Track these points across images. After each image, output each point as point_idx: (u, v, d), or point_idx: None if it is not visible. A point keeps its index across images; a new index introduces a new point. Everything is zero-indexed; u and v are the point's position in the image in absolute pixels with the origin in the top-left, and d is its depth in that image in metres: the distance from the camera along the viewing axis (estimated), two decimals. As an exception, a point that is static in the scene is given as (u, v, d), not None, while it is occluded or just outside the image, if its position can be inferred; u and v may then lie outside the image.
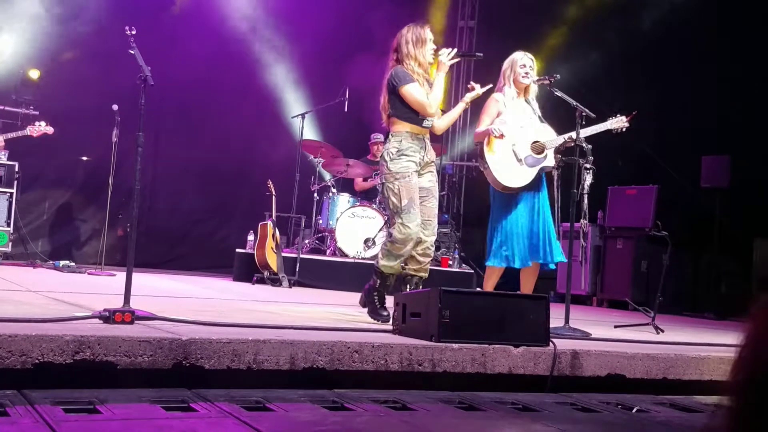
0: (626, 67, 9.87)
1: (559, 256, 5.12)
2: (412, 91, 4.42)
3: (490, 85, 5.02)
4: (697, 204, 9.35)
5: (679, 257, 8.53)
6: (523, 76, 5.19)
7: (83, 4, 8.94)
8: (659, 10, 9.67)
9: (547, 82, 5.09)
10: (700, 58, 9.46)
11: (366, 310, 4.63)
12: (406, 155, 4.45)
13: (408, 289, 4.53)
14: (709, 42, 9.38)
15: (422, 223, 4.49)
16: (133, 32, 3.87)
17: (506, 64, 5.28)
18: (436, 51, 4.56)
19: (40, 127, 7.18)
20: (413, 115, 4.49)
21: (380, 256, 4.59)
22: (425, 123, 4.53)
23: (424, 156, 4.53)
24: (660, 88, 9.53)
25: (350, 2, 10.46)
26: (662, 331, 5.31)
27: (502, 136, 5.10)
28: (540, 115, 5.28)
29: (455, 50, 4.56)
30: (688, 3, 9.35)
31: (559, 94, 5.03)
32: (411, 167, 4.45)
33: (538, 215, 5.16)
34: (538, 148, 5.14)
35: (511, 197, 5.18)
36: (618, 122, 5.09)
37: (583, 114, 4.87)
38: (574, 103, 4.92)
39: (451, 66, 4.63)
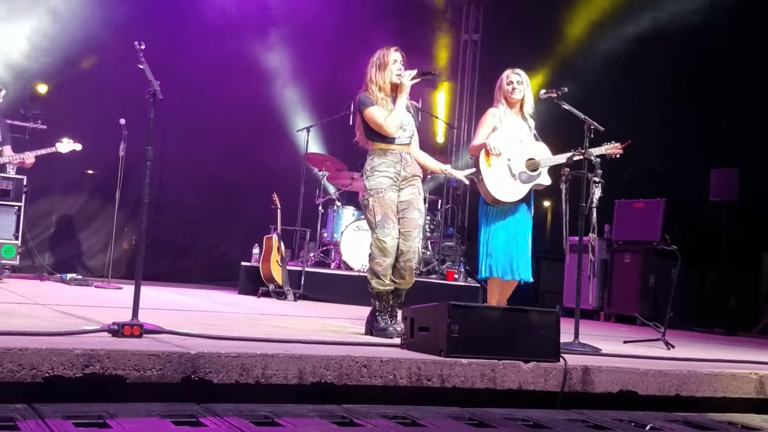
0: (633, 80, 9.86)
1: (527, 275, 5.20)
2: (370, 115, 4.57)
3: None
4: (705, 217, 9.32)
5: (687, 271, 8.50)
6: (510, 92, 5.23)
7: (90, 18, 8.99)
8: (664, 22, 9.68)
9: (554, 95, 5.08)
10: (708, 71, 9.46)
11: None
12: (378, 171, 4.56)
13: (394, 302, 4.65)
14: (717, 55, 9.39)
15: (402, 234, 4.57)
16: (142, 47, 3.88)
17: (498, 82, 5.34)
18: (400, 74, 4.64)
19: (69, 144, 7.21)
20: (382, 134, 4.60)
21: (368, 277, 4.61)
22: (398, 140, 4.61)
23: (400, 170, 4.60)
24: (667, 101, 9.53)
25: (357, 16, 10.49)
26: (673, 346, 5.27)
27: (499, 155, 5.15)
28: (535, 132, 5.31)
29: (416, 71, 4.65)
30: (694, 16, 9.35)
31: (566, 107, 5.02)
32: (384, 182, 4.55)
33: (524, 233, 5.23)
34: (533, 166, 5.17)
35: (499, 210, 5.24)
36: (611, 149, 5.11)
37: (591, 127, 4.86)
38: (582, 116, 4.91)
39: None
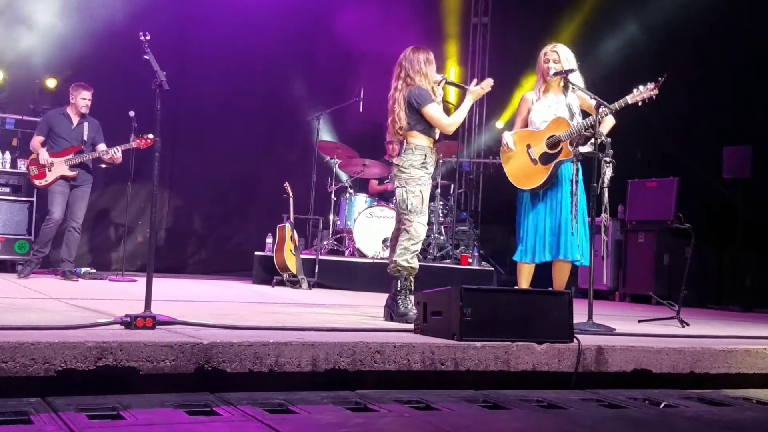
0: (644, 59, 9.76)
1: (576, 254, 5.10)
2: (433, 112, 4.78)
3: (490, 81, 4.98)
4: (718, 195, 9.24)
5: (702, 249, 8.45)
6: (546, 71, 5.15)
7: (98, 12, 8.99)
8: (679, 2, 9.56)
9: (563, 75, 5.04)
10: (721, 48, 9.35)
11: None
12: (425, 166, 4.81)
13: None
14: (730, 31, 9.27)
15: None
16: (147, 38, 3.88)
17: (539, 58, 5.25)
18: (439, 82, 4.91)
19: (148, 138, 7.24)
20: (430, 130, 4.85)
21: (397, 255, 4.71)
22: (436, 136, 4.92)
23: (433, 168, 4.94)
24: (680, 79, 9.43)
25: (367, 1, 10.43)
26: (687, 324, 5.24)
27: (510, 150, 5.21)
28: (576, 107, 5.18)
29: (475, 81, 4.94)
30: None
31: (576, 87, 4.98)
32: (427, 179, 4.84)
33: (559, 211, 5.14)
34: (553, 142, 5.10)
35: (531, 194, 5.21)
36: (644, 93, 4.85)
37: (601, 107, 4.80)
38: (591, 95, 4.86)
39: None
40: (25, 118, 8.59)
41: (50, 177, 7.24)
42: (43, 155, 7.22)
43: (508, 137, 5.23)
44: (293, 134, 10.47)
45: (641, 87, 4.86)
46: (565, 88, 5.14)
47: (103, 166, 7.71)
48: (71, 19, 8.92)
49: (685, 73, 9.40)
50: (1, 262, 7.99)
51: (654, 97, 4.85)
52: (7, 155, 8.10)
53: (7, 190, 7.93)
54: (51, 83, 8.99)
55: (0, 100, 8.70)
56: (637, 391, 3.67)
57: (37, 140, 7.34)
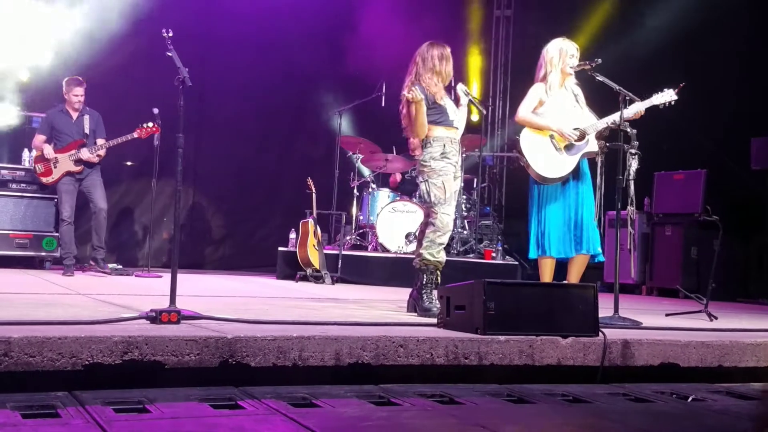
0: (671, 50, 9.63)
1: (598, 249, 5.10)
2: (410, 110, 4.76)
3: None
4: (747, 187, 9.10)
5: (731, 242, 8.31)
6: (569, 67, 5.15)
7: (121, 10, 9.05)
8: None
9: (588, 67, 5.01)
10: (748, 39, 9.20)
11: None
12: (447, 157, 4.77)
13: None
14: (758, 21, 9.12)
15: None
16: (170, 34, 3.90)
17: (553, 51, 5.23)
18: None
19: (148, 127, 7.33)
20: (446, 119, 4.85)
21: (423, 248, 4.69)
22: (458, 127, 4.88)
23: (458, 159, 4.86)
24: (707, 70, 9.30)
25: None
26: (716, 318, 5.17)
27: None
28: (584, 101, 5.22)
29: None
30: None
31: (600, 78, 4.93)
32: (450, 170, 4.77)
33: (581, 206, 5.12)
34: (579, 135, 5.08)
35: (551, 187, 5.19)
36: (665, 96, 4.93)
37: (627, 98, 4.77)
38: (617, 87, 4.81)
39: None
40: (51, 116, 8.66)
41: (56, 174, 7.38)
42: (48, 150, 7.39)
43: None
44: (316, 130, 10.48)
45: (660, 92, 4.87)
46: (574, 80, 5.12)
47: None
48: (96, 16, 8.99)
49: (714, 65, 9.28)
50: (29, 258, 8.09)
51: (673, 102, 4.85)
52: (34, 153, 8.19)
53: (34, 187, 8.02)
54: (77, 81, 9.07)
55: (25, 99, 8.79)
56: (664, 385, 3.64)
57: (38, 138, 7.51)
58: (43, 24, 8.80)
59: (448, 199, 4.71)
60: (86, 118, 7.55)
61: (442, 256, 4.71)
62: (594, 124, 5.06)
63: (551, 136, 5.14)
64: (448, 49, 4.88)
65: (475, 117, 11.65)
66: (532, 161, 5.16)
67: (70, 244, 7.36)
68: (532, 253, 5.27)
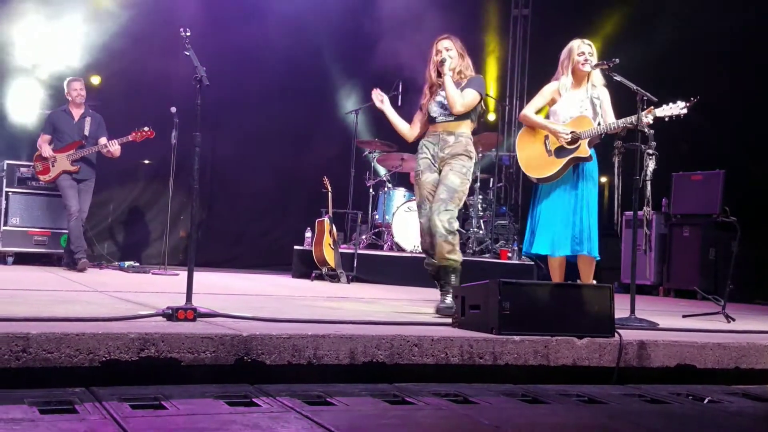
0: (687, 52, 9.56)
1: (596, 252, 5.13)
2: None
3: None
4: (765, 188, 9.02)
5: (749, 243, 8.22)
6: (582, 64, 5.13)
7: (140, 9, 9.11)
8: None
9: (606, 66, 4.97)
10: (764, 36, 9.12)
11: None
12: (419, 153, 4.86)
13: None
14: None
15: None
16: (188, 33, 3.92)
17: (564, 53, 5.23)
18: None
19: (145, 131, 7.45)
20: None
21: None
22: (437, 119, 4.82)
23: (438, 152, 4.78)
24: (725, 69, 9.22)
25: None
26: (733, 319, 5.14)
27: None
28: (608, 104, 5.19)
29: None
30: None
31: (618, 78, 4.89)
32: (421, 164, 4.82)
33: (581, 207, 5.10)
34: (572, 138, 5.07)
35: (546, 186, 5.21)
36: (672, 110, 4.83)
37: (645, 98, 4.73)
38: (635, 87, 4.77)
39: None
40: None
41: (53, 172, 7.49)
42: (45, 149, 7.51)
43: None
44: (332, 129, 10.50)
45: (671, 104, 4.82)
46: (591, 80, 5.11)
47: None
48: (115, 15, 9.06)
49: (732, 65, 9.20)
50: (48, 255, 8.17)
51: (682, 116, 4.80)
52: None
53: (52, 185, 8.09)
54: (95, 80, 9.15)
55: (47, 97, 8.88)
56: (680, 386, 3.62)
57: (43, 138, 7.63)
58: (65, 25, 8.88)
59: (417, 204, 4.84)
60: (87, 120, 7.63)
61: (428, 258, 4.75)
62: (589, 129, 5.06)
63: (546, 137, 5.16)
64: (436, 39, 4.91)
65: (492, 116, 11.69)
66: (520, 158, 5.31)
67: (79, 238, 7.41)
68: (525, 248, 5.34)
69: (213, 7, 9.69)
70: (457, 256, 4.62)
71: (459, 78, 4.82)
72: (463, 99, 4.73)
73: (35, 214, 8.09)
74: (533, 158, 5.21)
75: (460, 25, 10.33)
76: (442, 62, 4.78)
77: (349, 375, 3.19)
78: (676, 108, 4.82)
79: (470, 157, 4.76)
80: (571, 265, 5.28)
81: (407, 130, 5.07)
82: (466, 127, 4.80)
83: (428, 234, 4.68)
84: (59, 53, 8.89)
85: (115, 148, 7.48)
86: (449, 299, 4.49)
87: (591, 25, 9.89)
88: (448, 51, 4.83)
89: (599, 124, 5.12)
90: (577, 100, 5.18)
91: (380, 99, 5.09)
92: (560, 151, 5.12)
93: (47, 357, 2.72)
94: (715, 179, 8.99)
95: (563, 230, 5.09)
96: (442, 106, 4.80)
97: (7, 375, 2.67)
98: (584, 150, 5.07)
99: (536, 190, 5.31)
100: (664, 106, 4.86)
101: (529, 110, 5.29)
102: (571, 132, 5.08)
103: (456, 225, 4.62)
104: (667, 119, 4.85)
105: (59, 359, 2.74)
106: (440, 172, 4.74)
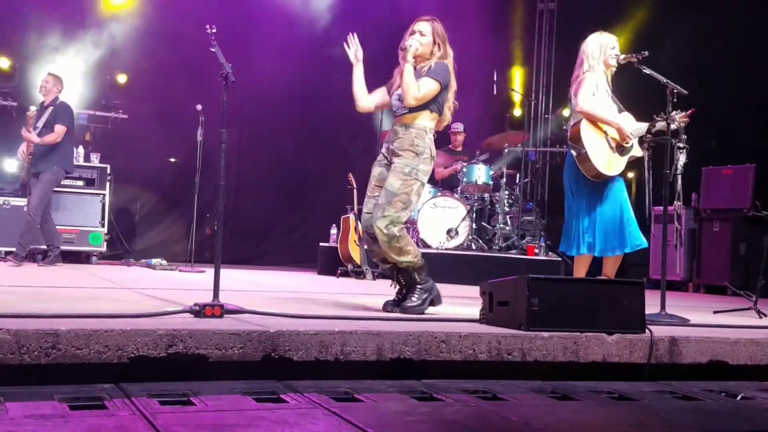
0: (716, 44, 9.42)
1: (639, 239, 5.07)
2: None
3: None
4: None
5: (781, 238, 8.10)
6: (613, 58, 5.06)
7: (165, 7, 9.17)
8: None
9: (635, 59, 4.91)
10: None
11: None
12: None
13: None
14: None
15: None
16: (214, 30, 3.92)
17: (593, 45, 5.12)
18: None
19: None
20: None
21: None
22: (396, 112, 4.43)
23: (388, 145, 4.43)
24: (753, 61, 9.08)
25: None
26: (765, 315, 5.05)
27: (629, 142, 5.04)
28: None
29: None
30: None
31: (648, 71, 4.82)
32: (378, 156, 4.52)
33: (623, 204, 5.08)
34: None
35: (598, 184, 5.10)
36: (676, 120, 4.69)
37: (674, 91, 4.66)
38: (665, 80, 4.71)
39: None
40: (97, 113, 8.83)
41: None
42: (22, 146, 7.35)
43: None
44: (357, 125, 10.48)
45: (674, 113, 4.70)
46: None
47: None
48: (141, 14, 9.13)
49: (764, 57, 9.05)
50: (76, 253, 8.25)
51: (683, 125, 4.70)
52: (81, 149, 8.35)
53: (81, 183, 8.18)
54: (122, 79, 9.22)
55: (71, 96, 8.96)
56: (712, 383, 3.56)
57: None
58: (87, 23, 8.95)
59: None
60: (49, 110, 7.33)
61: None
62: (639, 127, 5.01)
63: (605, 133, 5.05)
64: (416, 20, 4.50)
65: (518, 111, 11.61)
66: (593, 155, 4.97)
67: (29, 232, 7.17)
68: (576, 251, 5.16)
69: (237, 6, 9.72)
70: (411, 256, 4.23)
71: (420, 62, 4.38)
72: (418, 91, 4.23)
73: (63, 211, 8.17)
74: (602, 154, 5.01)
75: (484, 19, 10.29)
76: (405, 48, 4.32)
77: (376, 371, 3.18)
78: (679, 118, 4.69)
79: (417, 153, 4.24)
80: (595, 260, 5.24)
81: (362, 96, 4.63)
82: (423, 119, 4.30)
83: (371, 238, 4.31)
84: (87, 52, 8.96)
85: (26, 135, 7.22)
86: (416, 297, 4.25)
87: (617, 18, 9.78)
88: (422, 36, 4.37)
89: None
90: (608, 95, 5.12)
91: (355, 52, 4.61)
92: (622, 149, 5.06)
93: (76, 353, 2.74)
94: (745, 173, 8.86)
95: (614, 229, 5.05)
96: (399, 98, 4.38)
97: (37, 371, 2.69)
98: (638, 149, 5.02)
99: (583, 187, 5.12)
100: (661, 117, 4.71)
101: (593, 103, 5.00)
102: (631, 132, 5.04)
103: (395, 229, 4.15)
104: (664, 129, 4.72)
105: (88, 355, 2.75)
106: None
